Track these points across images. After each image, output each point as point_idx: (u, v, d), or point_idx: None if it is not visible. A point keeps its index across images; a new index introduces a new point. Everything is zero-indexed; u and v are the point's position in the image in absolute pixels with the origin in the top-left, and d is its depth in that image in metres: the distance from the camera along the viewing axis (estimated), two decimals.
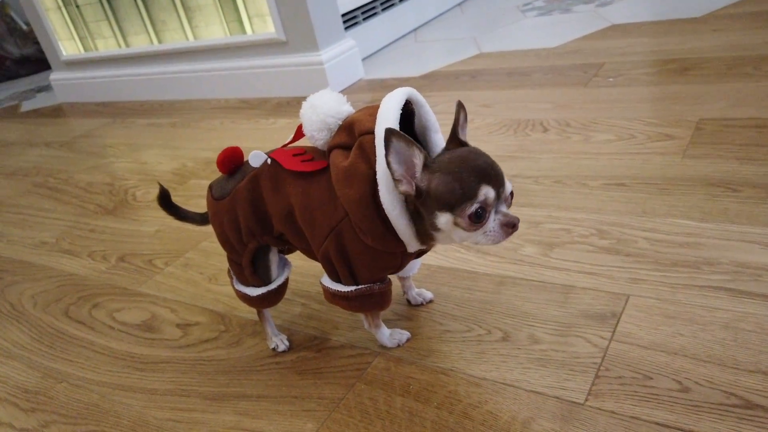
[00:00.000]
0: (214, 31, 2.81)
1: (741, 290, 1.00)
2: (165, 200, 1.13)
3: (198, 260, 1.52)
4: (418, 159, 0.81)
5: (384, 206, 0.85)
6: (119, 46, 3.20)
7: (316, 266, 1.06)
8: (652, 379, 0.88)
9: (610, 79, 2.00)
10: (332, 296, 0.97)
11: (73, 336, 1.32)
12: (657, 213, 1.25)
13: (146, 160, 2.35)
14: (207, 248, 1.56)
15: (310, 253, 1.01)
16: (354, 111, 0.94)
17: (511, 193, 0.83)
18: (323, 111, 0.92)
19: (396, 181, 0.81)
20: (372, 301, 0.95)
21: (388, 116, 0.84)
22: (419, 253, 0.98)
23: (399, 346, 1.06)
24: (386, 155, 0.79)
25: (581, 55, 2.29)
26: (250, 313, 1.23)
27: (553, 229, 1.28)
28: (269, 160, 0.98)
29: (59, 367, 1.23)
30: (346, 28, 2.74)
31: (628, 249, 1.16)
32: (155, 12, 2.94)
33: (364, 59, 2.83)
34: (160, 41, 3.02)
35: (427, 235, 0.88)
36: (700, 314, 0.97)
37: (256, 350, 1.15)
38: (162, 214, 1.81)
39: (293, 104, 2.59)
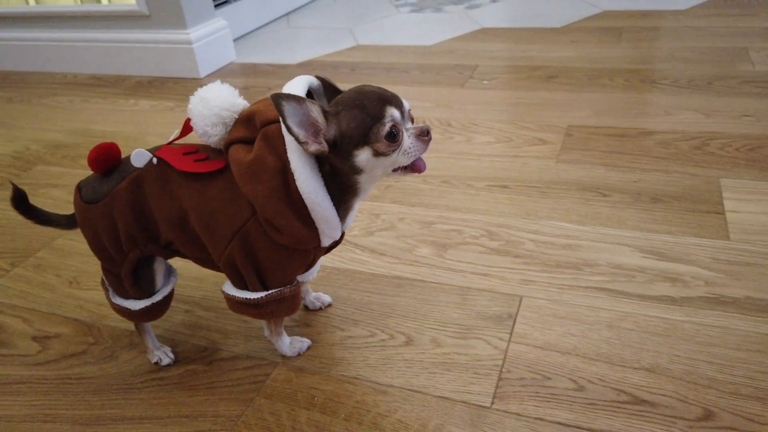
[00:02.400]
0: None
1: (619, 291, 1.08)
2: (20, 202, 0.96)
3: (53, 261, 1.33)
4: (316, 113, 0.77)
5: (305, 195, 0.79)
6: None
7: (200, 268, 0.97)
8: (550, 379, 0.92)
9: (485, 82, 2.08)
10: (239, 305, 0.89)
11: None
12: (539, 215, 1.32)
13: None
14: (63, 246, 1.38)
15: (205, 262, 0.92)
16: (249, 104, 0.87)
17: (409, 111, 0.83)
18: (217, 104, 0.84)
19: (303, 144, 0.76)
20: (284, 305, 0.89)
21: None
22: (330, 248, 0.94)
23: (300, 354, 1.01)
24: (283, 120, 0.74)
25: (456, 56, 2.36)
26: (122, 321, 1.10)
27: (445, 230, 1.30)
28: (155, 160, 0.87)
29: None
30: (216, 6, 2.57)
31: (516, 250, 1.21)
32: None
33: (234, 41, 2.67)
34: None
35: (348, 198, 0.84)
36: (586, 314, 1.04)
37: (134, 365, 1.03)
38: (2, 204, 1.58)
39: (156, 84, 2.38)
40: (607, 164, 1.48)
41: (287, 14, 3.20)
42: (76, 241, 1.37)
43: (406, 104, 0.82)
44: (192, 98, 0.86)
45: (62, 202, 1.56)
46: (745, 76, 1.90)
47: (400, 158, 0.80)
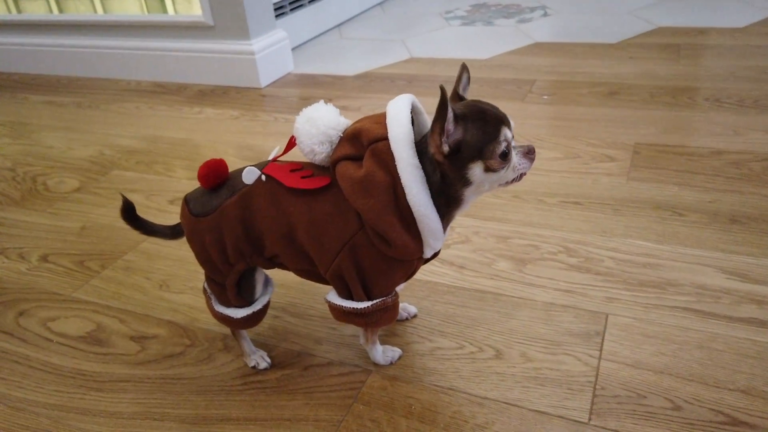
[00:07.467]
0: (128, 6, 2.57)
1: (706, 311, 1.09)
2: (129, 213, 1.01)
3: (141, 263, 1.38)
4: (451, 115, 0.80)
5: (415, 208, 0.83)
6: (8, 10, 2.83)
7: (288, 276, 1.01)
8: (645, 398, 0.93)
9: (545, 97, 2.10)
10: (345, 314, 0.92)
11: (1, 349, 1.15)
12: (615, 233, 1.33)
13: (51, 143, 2.10)
14: (149, 250, 1.43)
15: (308, 273, 0.96)
16: (350, 122, 0.90)
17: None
18: (323, 123, 0.88)
19: (437, 145, 0.80)
20: (387, 314, 0.93)
21: (400, 119, 0.83)
22: (428, 259, 0.97)
23: (392, 363, 1.04)
24: (446, 114, 0.77)
25: (512, 70, 2.38)
26: (216, 324, 1.15)
27: (521, 245, 1.32)
28: (263, 177, 0.91)
29: None
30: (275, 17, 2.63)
31: (596, 268, 1.23)
32: None
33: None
34: (60, 11, 2.71)
35: (452, 210, 0.88)
36: (675, 334, 1.05)
37: (232, 367, 1.07)
38: (85, 207, 1.65)
39: (218, 93, 2.45)
40: (680, 183, 1.49)
41: (339, 25, 3.26)
42: (161, 245, 1.43)
43: (512, 124, 0.85)
44: (298, 118, 0.90)
45: (141, 207, 1.61)
46: None
47: (508, 174, 0.84)
